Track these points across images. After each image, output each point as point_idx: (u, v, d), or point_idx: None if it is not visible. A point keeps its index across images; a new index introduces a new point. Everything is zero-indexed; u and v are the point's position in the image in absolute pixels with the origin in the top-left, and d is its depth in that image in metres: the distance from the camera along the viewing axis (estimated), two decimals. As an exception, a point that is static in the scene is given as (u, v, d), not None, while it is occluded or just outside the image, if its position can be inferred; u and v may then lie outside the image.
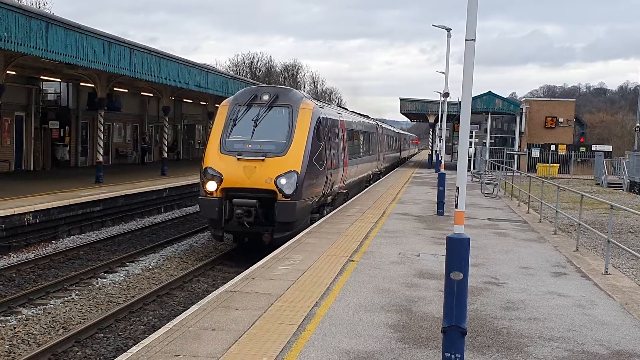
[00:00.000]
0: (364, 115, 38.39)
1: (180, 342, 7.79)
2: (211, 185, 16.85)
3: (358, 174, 28.33)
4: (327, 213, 20.61)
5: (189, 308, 9.80)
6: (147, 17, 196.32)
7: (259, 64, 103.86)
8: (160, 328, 8.47)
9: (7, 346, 10.63)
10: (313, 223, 18.13)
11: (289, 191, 16.61)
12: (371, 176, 35.98)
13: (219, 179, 16.84)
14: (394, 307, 9.77)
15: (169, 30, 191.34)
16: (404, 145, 73.59)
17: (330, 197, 21.11)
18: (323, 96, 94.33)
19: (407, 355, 7.72)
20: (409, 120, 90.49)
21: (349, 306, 9.66)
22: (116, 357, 7.62)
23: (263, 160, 16.78)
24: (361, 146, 29.80)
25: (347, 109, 33.23)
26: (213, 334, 8.14)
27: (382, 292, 10.64)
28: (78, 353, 10.57)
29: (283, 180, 16.63)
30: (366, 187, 32.63)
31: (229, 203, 16.91)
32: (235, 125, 17.63)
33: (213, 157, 17.22)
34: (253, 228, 16.87)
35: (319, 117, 18.59)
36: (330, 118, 20.82)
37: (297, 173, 16.74)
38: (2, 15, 17.35)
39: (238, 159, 16.89)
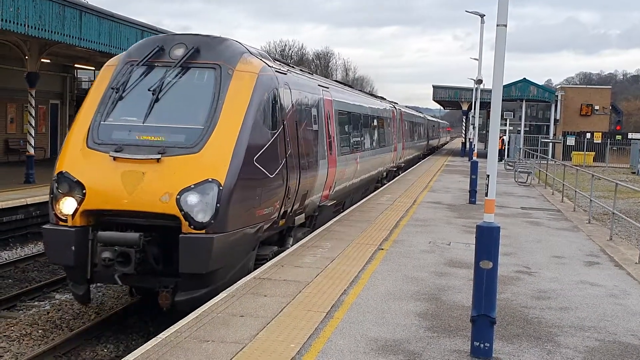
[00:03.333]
0: (375, 96, 31.25)
1: (209, 328, 7.84)
2: (66, 206, 9.94)
3: (360, 175, 20.77)
4: (297, 241, 13.38)
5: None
6: (182, 6, 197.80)
7: (290, 51, 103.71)
8: (190, 313, 8.54)
9: (40, 331, 10.82)
10: (262, 264, 11.24)
11: (202, 217, 9.60)
12: (384, 174, 28.29)
13: (80, 193, 9.89)
14: (423, 295, 9.73)
15: (202, 19, 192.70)
16: (433, 133, 66.27)
17: (303, 214, 14.00)
18: (355, 84, 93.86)
19: (436, 343, 7.68)
20: (442, 107, 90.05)
21: (378, 294, 9.64)
22: (147, 341, 7.69)
23: (159, 160, 9.79)
24: (365, 135, 22.05)
25: (345, 84, 24.70)
26: (242, 320, 8.17)
27: (412, 280, 10.60)
28: (110, 337, 10.69)
29: (192, 198, 9.59)
30: (376, 188, 25.57)
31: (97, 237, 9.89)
32: (121, 99, 10.74)
33: (73, 155, 10.37)
34: (136, 281, 10.29)
35: (274, 88, 11.67)
36: (301, 91, 13.68)
37: (220, 184, 9.70)
38: (36, 3, 17.56)
39: (115, 159, 9.88)
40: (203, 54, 11.02)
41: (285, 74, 12.94)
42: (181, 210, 9.58)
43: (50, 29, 18.29)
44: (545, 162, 36.13)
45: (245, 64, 11.10)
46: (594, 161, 53.62)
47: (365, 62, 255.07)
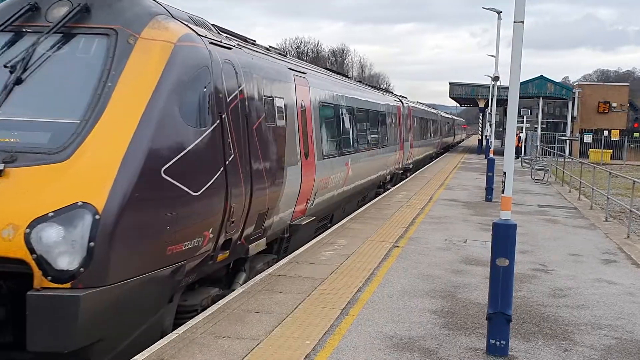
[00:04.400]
0: (377, 88, 27.59)
1: (225, 324, 7.86)
2: None
3: (353, 181, 17.40)
4: (256, 274, 10.36)
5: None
6: (198, 3, 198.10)
7: (306, 48, 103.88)
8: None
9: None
10: (193, 316, 8.25)
11: (67, 263, 6.20)
12: (387, 178, 24.94)
13: None
14: (439, 293, 9.70)
15: (218, 17, 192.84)
16: (448, 130, 63.53)
17: (263, 239, 10.55)
18: (371, 80, 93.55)
19: (451, 341, 7.66)
20: (458, 104, 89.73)
21: (393, 291, 9.62)
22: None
23: (1, 173, 6.44)
24: (360, 134, 18.50)
25: (334, 71, 20.20)
26: (257, 316, 8.19)
27: (427, 278, 10.58)
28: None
29: (50, 233, 6.19)
30: (378, 194, 22.70)
31: None
32: None
33: None
34: None
35: (204, 66, 8.19)
36: (256, 74, 10.10)
37: (96, 211, 6.30)
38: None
39: None
40: (94, 15, 7.66)
41: (230, 48, 9.37)
42: (32, 252, 6.16)
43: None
44: (562, 159, 35.92)
45: (157, 30, 7.65)
46: (611, 159, 53.26)
47: (381, 59, 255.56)
